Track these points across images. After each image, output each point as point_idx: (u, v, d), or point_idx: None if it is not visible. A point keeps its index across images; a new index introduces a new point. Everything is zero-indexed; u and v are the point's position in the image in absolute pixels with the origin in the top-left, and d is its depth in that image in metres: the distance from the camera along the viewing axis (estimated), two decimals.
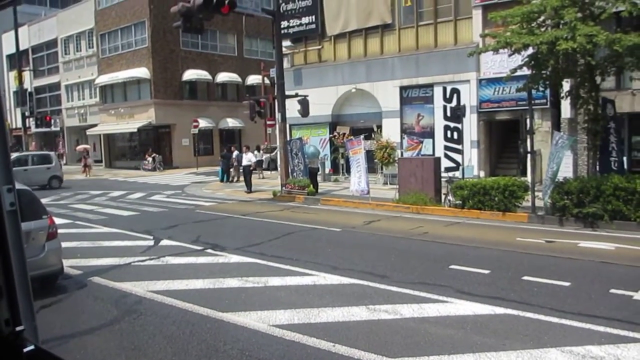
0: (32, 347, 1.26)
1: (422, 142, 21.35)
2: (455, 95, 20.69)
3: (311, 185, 18.58)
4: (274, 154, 27.02)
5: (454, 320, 6.10)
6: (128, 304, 7.05)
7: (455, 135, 20.49)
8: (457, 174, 17.38)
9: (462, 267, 8.46)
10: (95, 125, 40.01)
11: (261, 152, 29.69)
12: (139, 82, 36.58)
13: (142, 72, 35.74)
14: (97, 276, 8.42)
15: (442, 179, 16.05)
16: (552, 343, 5.29)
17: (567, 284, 7.43)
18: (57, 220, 9.21)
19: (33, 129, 43.76)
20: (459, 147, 19.67)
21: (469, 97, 20.25)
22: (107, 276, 8.40)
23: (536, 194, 13.59)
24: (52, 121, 43.14)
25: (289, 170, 19.49)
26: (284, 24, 24.18)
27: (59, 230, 8.14)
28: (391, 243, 10.96)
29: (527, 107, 14.36)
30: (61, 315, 6.85)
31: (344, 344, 5.37)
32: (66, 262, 8.43)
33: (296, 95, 20.41)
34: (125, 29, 37.11)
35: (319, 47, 25.40)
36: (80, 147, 38.11)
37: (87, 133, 40.33)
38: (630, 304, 6.56)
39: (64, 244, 8.39)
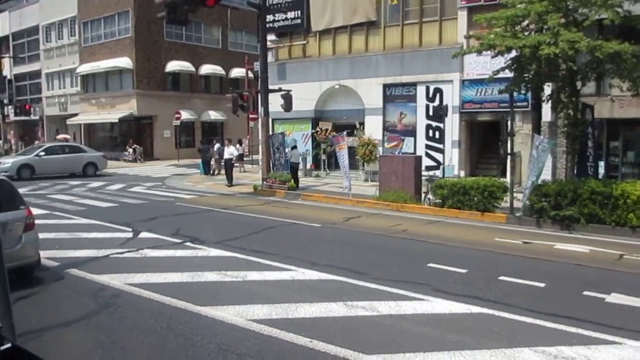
0: (8, 345, 1.26)
1: (403, 140, 21.47)
2: (438, 95, 20.81)
3: (292, 180, 18.59)
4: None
5: (430, 318, 6.17)
6: (106, 297, 7.00)
7: (437, 135, 20.63)
8: (438, 173, 17.52)
9: (440, 266, 8.55)
10: (75, 115, 39.45)
11: (243, 145, 29.58)
12: (121, 72, 36.16)
13: (125, 62, 35.33)
14: (75, 268, 8.33)
15: (423, 178, 16.17)
16: (525, 343, 5.39)
17: (542, 285, 7.55)
18: (35, 211, 9.10)
19: (12, 117, 43.03)
20: (441, 146, 19.81)
21: (452, 97, 20.39)
22: (84, 268, 8.32)
23: (515, 195, 13.76)
24: (32, 110, 42.44)
25: (271, 165, 19.47)
26: (270, 17, 24.10)
27: (37, 221, 8.04)
28: (370, 240, 11.03)
29: (508, 109, 14.52)
30: (38, 307, 6.78)
31: (321, 340, 5.40)
32: (43, 254, 8.34)
33: (279, 89, 20.37)
34: (109, 17, 36.65)
35: (304, 42, 25.37)
36: (60, 136, 37.57)
37: (67, 122, 39.77)
38: (602, 306, 6.70)
39: (41, 235, 8.29)
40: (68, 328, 6.10)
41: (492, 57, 13.92)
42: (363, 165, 22.38)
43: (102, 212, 14.42)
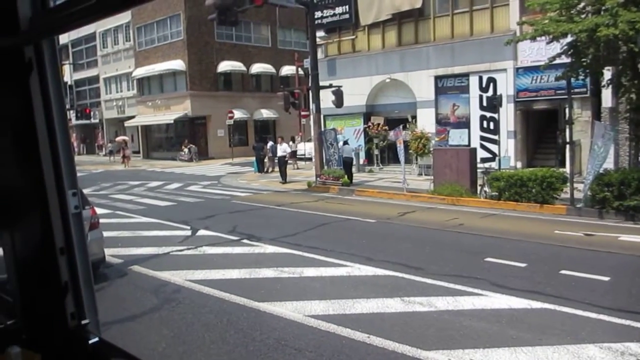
0: (96, 339, 1.36)
1: (448, 131, 21.16)
2: (491, 85, 20.34)
3: (345, 176, 18.60)
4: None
5: (489, 313, 6.07)
6: (167, 292, 7.23)
7: (492, 126, 20.16)
8: (494, 164, 17.12)
9: (498, 260, 8.38)
10: (133, 117, 40.77)
11: (295, 142, 29.79)
12: (174, 74, 37.08)
13: (178, 64, 36.22)
14: (137, 265, 8.65)
15: (478, 170, 15.88)
16: (589, 339, 5.22)
17: (606, 278, 7.29)
18: (98, 211, 9.46)
19: (73, 122, 44.88)
20: (496, 137, 19.34)
21: (506, 86, 19.90)
22: (146, 265, 8.62)
23: (575, 185, 13.31)
24: (92, 113, 44.13)
25: (324, 161, 19.56)
26: (318, 14, 24.13)
27: (101, 220, 8.38)
28: (426, 235, 10.93)
29: (566, 97, 14.06)
30: (103, 302, 7.04)
31: (379, 335, 5.41)
32: (107, 251, 8.70)
33: (330, 86, 20.41)
34: (161, 22, 37.62)
35: (353, 37, 25.30)
36: (119, 138, 38.93)
37: (125, 125, 41.14)
38: None
39: (105, 234, 8.65)
40: (132, 322, 6.34)
41: (547, 43, 13.49)
42: (416, 159, 22.16)
43: (161, 210, 14.86)
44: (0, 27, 1.26)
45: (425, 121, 22.20)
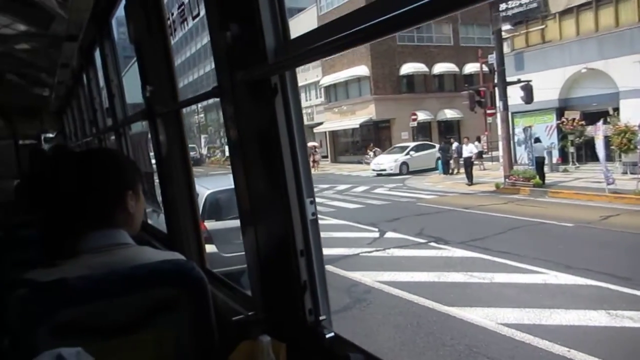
0: (332, 334, 1.51)
1: None
2: None
3: (537, 177, 17.52)
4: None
5: None
6: (358, 292, 7.55)
7: None
8: None
9: None
10: (321, 123, 42.93)
11: (481, 142, 28.83)
12: (359, 79, 38.25)
13: (362, 70, 37.29)
14: (331, 265, 9.09)
15: None
16: None
17: None
18: None
19: None
20: None
21: None
22: (338, 265, 9.06)
23: None
24: None
25: (515, 160, 18.72)
26: (502, 6, 23.05)
27: None
28: (634, 241, 9.85)
29: None
30: None
31: (581, 351, 5.05)
32: None
33: (518, 81, 19.44)
34: None
35: (542, 26, 23.70)
36: (310, 144, 41.24)
37: (314, 131, 43.46)
38: None
39: None
40: None
41: None
42: (620, 156, 20.01)
43: (350, 212, 15.43)
44: (253, 57, 1.49)
45: (631, 113, 19.90)
